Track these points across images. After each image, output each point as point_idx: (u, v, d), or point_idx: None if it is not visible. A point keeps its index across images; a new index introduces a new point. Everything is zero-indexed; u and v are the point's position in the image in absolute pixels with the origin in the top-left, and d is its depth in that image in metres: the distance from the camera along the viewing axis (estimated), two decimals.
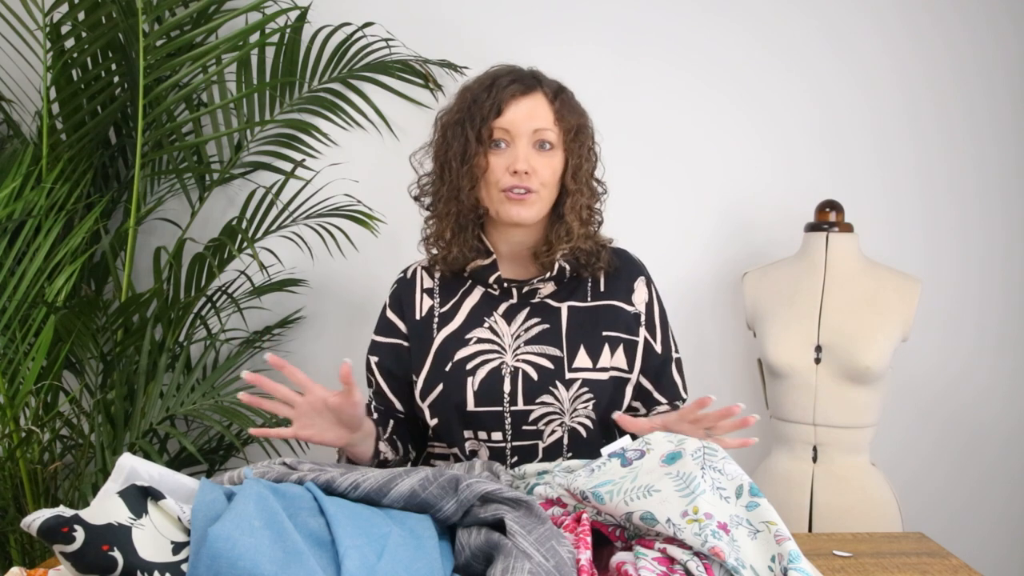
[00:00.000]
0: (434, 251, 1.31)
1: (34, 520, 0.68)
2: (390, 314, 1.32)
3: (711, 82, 2.17)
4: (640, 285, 1.33)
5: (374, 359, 1.32)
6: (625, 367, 1.28)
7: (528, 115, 1.21)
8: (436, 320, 1.29)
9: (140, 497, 0.73)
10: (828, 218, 1.85)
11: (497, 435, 1.23)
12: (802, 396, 1.78)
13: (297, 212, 2.00)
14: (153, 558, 0.69)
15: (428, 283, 1.32)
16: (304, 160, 2.16)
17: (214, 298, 2.04)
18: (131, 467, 0.78)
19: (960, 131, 2.16)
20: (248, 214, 2.00)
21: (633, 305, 1.31)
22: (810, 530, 1.75)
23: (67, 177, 1.89)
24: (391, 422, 1.29)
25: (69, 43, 1.90)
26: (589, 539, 0.87)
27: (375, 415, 1.29)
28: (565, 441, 1.24)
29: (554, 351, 1.24)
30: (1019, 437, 2.20)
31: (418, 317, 1.30)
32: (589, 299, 1.29)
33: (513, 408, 1.22)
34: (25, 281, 1.71)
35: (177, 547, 0.72)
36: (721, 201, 2.19)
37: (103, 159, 2.08)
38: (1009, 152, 2.16)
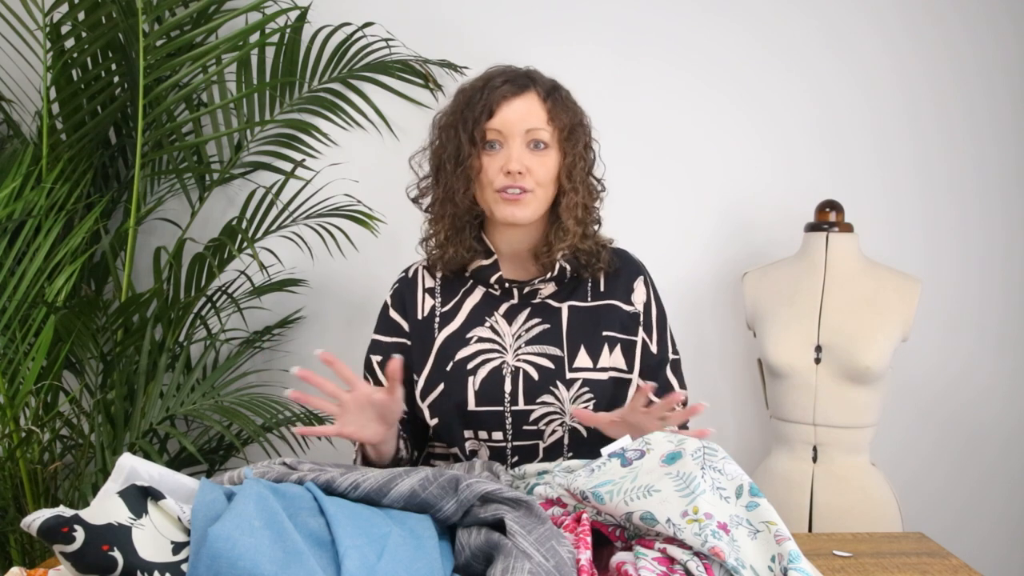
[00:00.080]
0: (433, 252, 1.31)
1: (34, 520, 0.68)
2: (393, 313, 1.32)
3: (711, 82, 2.17)
4: (639, 285, 1.33)
5: (376, 358, 1.31)
6: (624, 367, 1.28)
7: (520, 115, 1.21)
8: (438, 320, 1.29)
9: (140, 497, 0.73)
10: (828, 218, 1.85)
11: (498, 435, 1.23)
12: (802, 396, 1.78)
13: (297, 212, 2.00)
14: (153, 558, 0.69)
15: (430, 282, 1.32)
16: (304, 160, 2.16)
17: (214, 298, 2.04)
18: (131, 467, 0.78)
19: (960, 131, 2.16)
20: (248, 214, 1.99)
21: (632, 305, 1.31)
22: (810, 530, 1.75)
23: (67, 177, 1.89)
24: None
25: (69, 43, 1.90)
26: (589, 539, 0.87)
27: None
28: (566, 441, 1.24)
29: (555, 351, 1.25)
30: (1019, 437, 2.20)
31: (420, 316, 1.30)
32: (589, 299, 1.29)
33: (514, 408, 1.22)
34: (25, 281, 1.71)
35: (177, 547, 0.72)
36: (721, 201, 2.19)
37: (103, 159, 2.08)
38: (1009, 152, 2.16)
